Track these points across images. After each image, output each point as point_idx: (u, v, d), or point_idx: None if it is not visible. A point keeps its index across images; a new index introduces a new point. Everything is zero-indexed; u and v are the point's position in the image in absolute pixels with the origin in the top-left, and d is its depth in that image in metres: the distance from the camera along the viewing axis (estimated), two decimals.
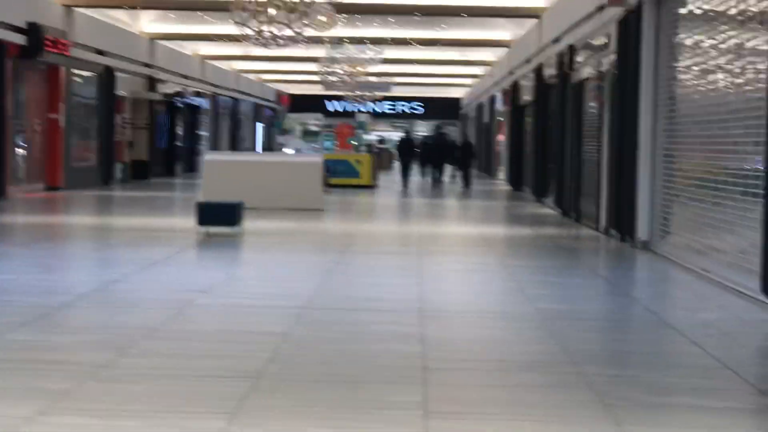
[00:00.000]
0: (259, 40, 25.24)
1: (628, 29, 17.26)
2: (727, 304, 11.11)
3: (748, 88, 12.40)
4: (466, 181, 36.75)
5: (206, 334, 8.82)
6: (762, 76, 11.73)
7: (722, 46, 13.46)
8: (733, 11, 13.10)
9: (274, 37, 25.22)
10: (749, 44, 12.40)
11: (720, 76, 13.50)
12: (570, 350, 8.33)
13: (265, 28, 24.89)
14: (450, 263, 14.68)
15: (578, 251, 16.64)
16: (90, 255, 14.87)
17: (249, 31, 24.85)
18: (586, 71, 21.42)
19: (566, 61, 23.83)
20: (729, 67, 13.14)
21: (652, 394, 6.90)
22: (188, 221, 17.90)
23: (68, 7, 29.32)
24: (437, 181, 38.25)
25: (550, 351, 8.35)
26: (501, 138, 43.48)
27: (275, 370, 7.42)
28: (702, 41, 14.36)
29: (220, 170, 23.60)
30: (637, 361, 8.12)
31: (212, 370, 7.39)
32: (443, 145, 38.95)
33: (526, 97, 32.92)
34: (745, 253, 12.12)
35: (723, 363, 7.96)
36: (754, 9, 12.33)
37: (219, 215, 17.22)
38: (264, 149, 61.38)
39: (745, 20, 12.62)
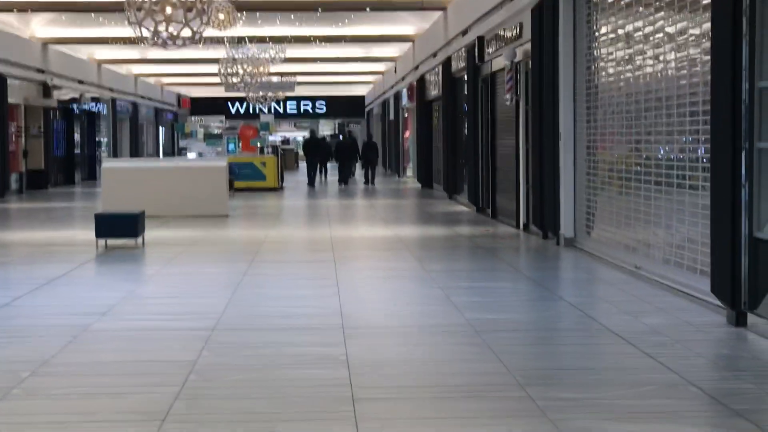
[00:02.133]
0: (156, 40, 24.05)
1: (544, 17, 16.51)
2: (670, 305, 10.33)
3: (677, 74, 11.67)
4: (370, 179, 38.00)
5: (103, 367, 7.80)
6: (697, 62, 10.99)
7: (644, 32, 12.72)
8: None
9: (172, 37, 24.04)
10: (673, 30, 11.68)
11: (646, 63, 12.74)
12: (513, 368, 7.47)
13: (161, 27, 23.70)
14: (368, 270, 13.77)
15: (500, 251, 15.82)
16: None
17: (145, 32, 23.67)
18: (498, 63, 20.65)
19: (476, 53, 23.05)
20: (654, 53, 12.39)
21: (617, 421, 6.07)
22: (87, 233, 16.81)
23: None
24: (343, 180, 38.60)
25: (492, 371, 7.48)
26: (408, 135, 42.76)
27: (182, 410, 6.46)
28: (622, 28, 13.61)
29: (119, 178, 22.53)
30: (591, 379, 7.26)
31: (109, 413, 6.41)
32: (348, 144, 39.62)
33: (434, 91, 32.16)
34: (681, 248, 11.39)
35: (684, 378, 7.15)
36: None
37: (118, 226, 16.19)
38: (166, 154, 60.00)
39: (664, 6, 11.90)
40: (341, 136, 41.72)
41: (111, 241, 16.26)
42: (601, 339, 8.70)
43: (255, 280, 12.52)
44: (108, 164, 23.36)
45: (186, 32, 23.09)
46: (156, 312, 10.33)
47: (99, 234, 16.11)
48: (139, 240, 16.36)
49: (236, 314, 10.00)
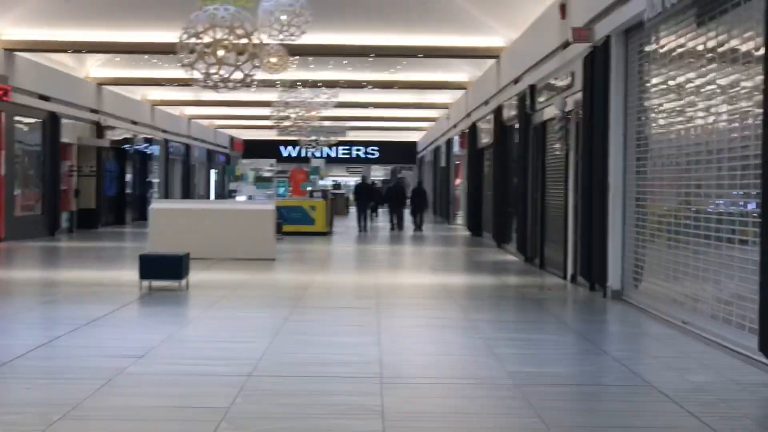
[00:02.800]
0: (208, 82, 24.11)
1: (595, 66, 16.37)
2: (716, 363, 10.10)
3: (728, 126, 11.47)
4: (419, 225, 38.01)
5: (135, 412, 7.69)
6: (749, 115, 10.80)
7: (695, 83, 12.54)
8: (702, 48, 12.22)
9: (224, 80, 24.10)
10: (725, 82, 11.50)
11: (697, 115, 12.55)
12: (552, 425, 7.28)
13: (213, 70, 23.77)
14: (410, 318, 13.60)
15: (546, 302, 15.61)
16: (20, 314, 13.57)
17: (197, 74, 23.73)
18: (549, 111, 20.50)
19: (527, 101, 22.93)
20: (706, 105, 12.20)
21: None
22: (133, 274, 16.75)
23: (10, 51, 28.18)
24: (394, 226, 38.50)
25: (531, 426, 7.29)
26: (458, 182, 42.63)
27: None
28: (673, 79, 13.43)
29: (167, 219, 22.52)
30: None
31: None
32: (398, 190, 39.61)
33: (485, 139, 32.02)
34: (729, 304, 11.15)
35: None
36: (725, 46, 11.46)
37: (163, 268, 16.12)
38: (217, 196, 60.19)
39: (716, 57, 11.73)
40: (390, 182, 41.82)
41: (156, 283, 16.20)
42: (645, 396, 8.48)
43: (296, 326, 12.39)
44: (156, 205, 23.37)
45: (237, 75, 23.12)
46: (193, 356, 10.22)
47: (143, 275, 16.06)
48: (183, 282, 16.29)
49: (274, 361, 9.87)
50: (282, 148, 66.04)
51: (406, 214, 40.90)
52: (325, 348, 10.81)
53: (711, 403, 8.15)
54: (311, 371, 9.45)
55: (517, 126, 24.55)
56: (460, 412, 7.89)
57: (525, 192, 23.39)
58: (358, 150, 69.39)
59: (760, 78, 10.20)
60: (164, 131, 47.00)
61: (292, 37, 23.21)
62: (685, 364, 10.15)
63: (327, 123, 46.12)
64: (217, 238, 22.26)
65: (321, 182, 46.62)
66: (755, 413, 8.14)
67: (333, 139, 50.38)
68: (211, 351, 10.58)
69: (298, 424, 7.32)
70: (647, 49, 14.71)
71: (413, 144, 67.64)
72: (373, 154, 69.91)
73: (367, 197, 38.96)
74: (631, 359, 10.40)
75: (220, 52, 22.95)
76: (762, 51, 9.96)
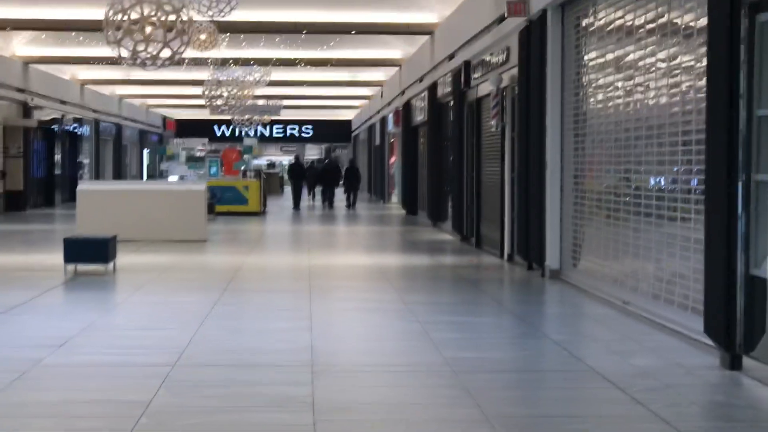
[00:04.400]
0: (136, 60, 23.47)
1: (531, 41, 16.01)
2: (659, 345, 9.78)
3: (668, 102, 11.16)
4: (351, 203, 38.82)
5: (48, 408, 7.21)
6: (690, 90, 10.48)
7: (635, 58, 12.21)
8: (641, 21, 11.89)
9: (152, 57, 23.47)
10: (665, 56, 11.17)
11: (637, 90, 12.23)
12: (491, 415, 6.91)
13: (141, 47, 23.13)
14: (344, 301, 13.16)
15: (483, 282, 15.27)
16: None
17: (124, 52, 23.10)
18: (484, 88, 20.14)
19: (462, 78, 22.55)
20: (645, 80, 11.88)
21: None
22: (59, 258, 16.15)
23: None
24: (327, 204, 39.13)
25: (470, 418, 6.91)
26: (393, 160, 42.28)
27: None
28: (612, 53, 13.10)
29: (96, 201, 21.94)
30: (576, 428, 6.71)
31: None
32: (331, 169, 40.37)
33: (420, 117, 31.65)
34: (672, 283, 10.84)
35: (677, 429, 6.58)
36: (665, 18, 11.14)
37: (88, 251, 15.60)
38: (150, 177, 59.35)
39: (656, 31, 11.40)
40: (323, 160, 42.50)
41: (81, 267, 15.66)
42: (587, 383, 8.13)
43: (225, 310, 11.93)
44: (83, 186, 22.76)
45: (166, 53, 22.53)
46: (115, 345, 9.72)
47: (68, 259, 15.52)
48: (110, 266, 15.76)
49: (200, 349, 9.41)
50: (216, 127, 65.31)
51: (340, 192, 40.96)
52: (254, 335, 10.39)
53: (656, 389, 7.81)
54: (239, 360, 9.02)
55: (452, 103, 24.18)
56: (395, 402, 7.50)
57: (460, 170, 23.03)
58: (292, 129, 68.71)
59: (701, 51, 9.88)
60: (94, 111, 46.13)
61: (222, 14, 22.67)
62: (627, 346, 9.83)
63: (260, 101, 45.50)
64: (147, 219, 21.72)
65: (255, 161, 46.07)
66: (702, 399, 7.80)
67: (267, 117, 49.76)
68: (134, 339, 10.09)
69: (223, 418, 6.89)
70: (585, 23, 14.37)
71: (348, 122, 67.12)
72: (307, 133, 69.28)
73: (300, 176, 39.46)
74: (572, 342, 10.05)
75: (148, 29, 22.34)
76: (704, 23, 9.63)
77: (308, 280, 15.00)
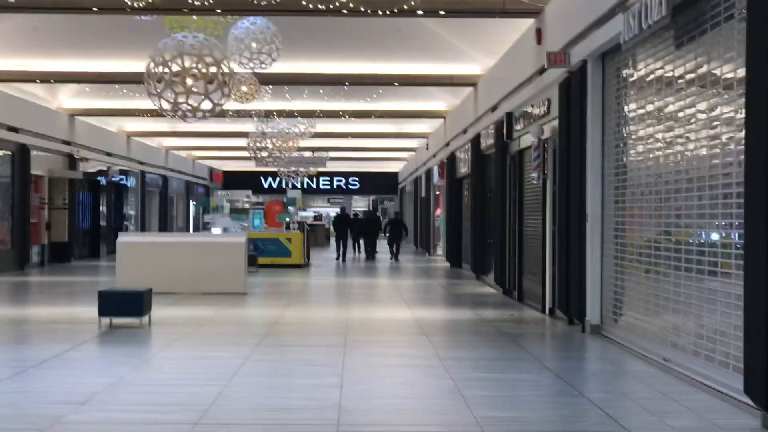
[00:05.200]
0: (177, 112, 23.47)
1: (571, 91, 15.80)
2: (698, 405, 9.46)
3: (709, 154, 10.89)
4: (395, 255, 38.91)
5: None
6: (730, 142, 10.21)
7: (674, 109, 11.95)
8: (680, 71, 11.65)
9: (192, 109, 23.46)
10: (704, 107, 10.91)
11: (676, 142, 11.96)
12: None
13: (182, 99, 23.12)
14: (379, 357, 12.88)
15: (522, 338, 14.97)
16: None
17: (165, 104, 23.11)
18: (526, 140, 19.92)
19: (504, 129, 22.35)
20: (686, 132, 11.61)
21: None
22: (96, 311, 15.98)
23: None
24: (370, 256, 39.76)
25: None
26: (439, 212, 42.08)
27: None
28: (651, 104, 12.85)
29: (135, 253, 21.86)
30: None
31: None
32: (371, 221, 40.99)
33: (464, 168, 31.44)
34: (712, 341, 10.52)
35: None
36: (704, 69, 10.90)
37: (123, 304, 15.49)
38: (197, 229, 59.39)
39: (696, 81, 11.15)
40: (366, 213, 43.41)
41: (117, 320, 15.53)
42: None
43: (256, 366, 11.73)
44: (124, 238, 22.68)
45: (206, 104, 22.54)
46: (140, 402, 9.52)
47: (102, 312, 15.42)
48: (145, 319, 15.62)
49: (226, 406, 9.20)
50: (263, 179, 65.49)
51: (383, 244, 41.21)
52: (283, 391, 10.17)
53: None
54: (264, 418, 8.80)
55: (494, 155, 23.96)
56: None
57: (503, 222, 22.79)
58: (339, 180, 68.86)
59: (741, 102, 9.62)
60: (140, 162, 46.32)
61: (263, 65, 22.63)
62: (665, 406, 9.52)
63: (306, 153, 45.52)
64: (187, 271, 21.61)
65: (302, 213, 45.98)
66: None
67: (312, 169, 49.76)
68: (160, 395, 9.89)
69: None
70: (625, 73, 14.15)
71: (394, 174, 67.09)
72: (354, 185, 69.38)
73: (345, 228, 40.05)
74: (609, 402, 9.75)
75: (189, 81, 22.37)
76: (743, 73, 9.39)
77: (344, 334, 14.78)
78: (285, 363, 12.35)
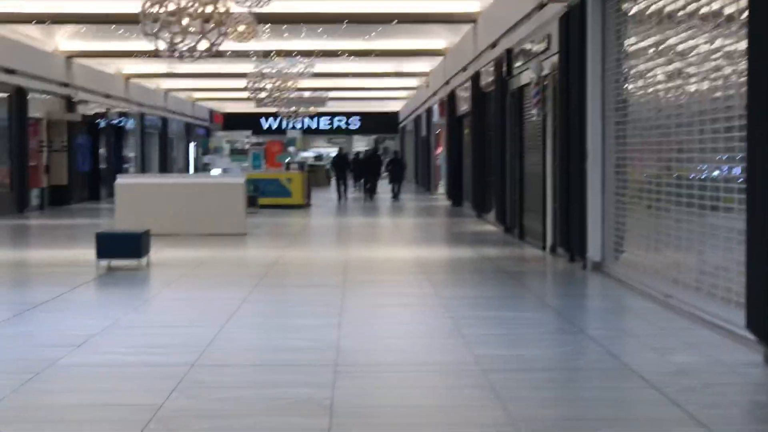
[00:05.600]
0: (174, 52, 23.21)
1: (571, 27, 15.59)
2: (700, 341, 9.36)
3: (710, 88, 10.71)
4: (396, 194, 39.14)
5: (54, 412, 6.92)
6: (732, 75, 10.04)
7: (676, 45, 11.76)
8: (683, 7, 11.44)
9: (189, 50, 23.20)
10: (707, 43, 10.72)
11: (677, 77, 11.78)
12: (519, 418, 6.54)
13: (178, 39, 22.86)
14: (378, 296, 12.76)
15: (523, 275, 14.87)
16: None
17: (161, 44, 22.84)
18: (526, 76, 19.71)
19: (504, 66, 22.14)
20: (687, 67, 11.43)
21: None
22: (93, 253, 15.90)
23: None
24: (368, 195, 39.71)
25: (495, 421, 6.55)
26: (439, 151, 41.92)
27: None
28: (653, 39, 12.64)
29: (134, 195, 21.74)
30: None
31: None
32: (374, 161, 41.12)
33: (464, 107, 31.22)
34: (714, 276, 10.41)
35: None
36: (707, 6, 10.70)
37: (121, 246, 15.37)
38: (196, 170, 59.22)
39: (698, 17, 10.95)
40: (366, 153, 43.68)
41: (116, 262, 15.43)
42: (622, 382, 7.74)
43: (253, 307, 11.64)
44: (122, 180, 22.54)
45: (203, 44, 22.28)
46: (135, 344, 9.40)
47: (100, 254, 15.30)
48: (144, 261, 15.52)
49: (222, 348, 9.10)
50: (263, 120, 65.19)
51: (384, 183, 41.29)
52: (280, 332, 10.07)
53: (695, 389, 7.41)
54: (260, 359, 8.73)
55: (494, 92, 23.75)
56: (417, 404, 7.16)
57: (503, 160, 22.64)
58: (339, 121, 68.60)
59: (743, 34, 9.44)
60: (139, 104, 46.05)
61: (260, 4, 22.41)
62: (667, 342, 9.42)
63: (305, 93, 45.25)
64: (186, 213, 21.49)
65: (302, 154, 45.85)
66: (743, 400, 7.38)
67: (312, 109, 49.53)
68: (156, 337, 9.77)
69: (235, 423, 6.56)
70: (625, 6, 13.93)
71: (395, 114, 66.76)
72: (355, 125, 69.11)
73: (344, 168, 40.02)
74: (610, 338, 9.63)
75: (185, 21, 22.11)
76: (745, 4, 9.20)
77: (344, 274, 14.68)
78: (283, 303, 12.28)
